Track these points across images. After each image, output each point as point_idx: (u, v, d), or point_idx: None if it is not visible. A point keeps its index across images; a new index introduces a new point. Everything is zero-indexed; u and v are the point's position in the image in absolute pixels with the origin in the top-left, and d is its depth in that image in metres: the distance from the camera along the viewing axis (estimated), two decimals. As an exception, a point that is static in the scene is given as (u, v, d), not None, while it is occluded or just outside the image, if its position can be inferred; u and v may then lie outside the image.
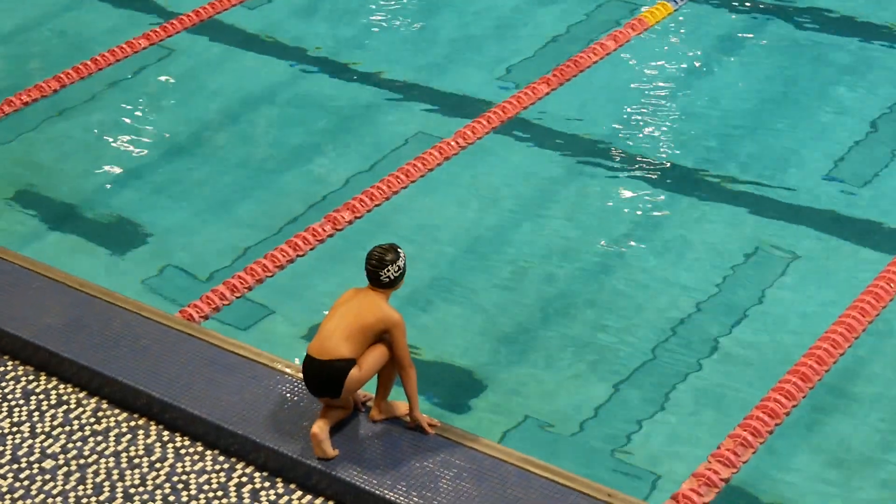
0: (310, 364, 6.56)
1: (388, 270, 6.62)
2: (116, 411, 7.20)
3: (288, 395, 7.02)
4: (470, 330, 8.06)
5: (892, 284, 7.95)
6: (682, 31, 11.19)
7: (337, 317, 6.61)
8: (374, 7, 11.92)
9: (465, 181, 9.35)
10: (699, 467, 6.66)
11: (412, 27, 11.59)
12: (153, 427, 7.09)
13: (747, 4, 11.59)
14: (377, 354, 6.58)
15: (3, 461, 6.92)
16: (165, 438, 7.01)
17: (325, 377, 6.51)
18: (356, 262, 8.53)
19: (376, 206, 8.87)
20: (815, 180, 9.26)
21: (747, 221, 8.92)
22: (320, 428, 6.56)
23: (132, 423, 7.11)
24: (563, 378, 7.70)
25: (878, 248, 8.57)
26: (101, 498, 6.67)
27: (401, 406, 6.85)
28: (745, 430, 6.82)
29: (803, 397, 7.14)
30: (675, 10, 11.28)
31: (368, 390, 6.91)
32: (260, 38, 11.53)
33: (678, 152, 9.63)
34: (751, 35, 11.17)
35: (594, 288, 8.36)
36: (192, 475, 6.79)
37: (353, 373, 6.49)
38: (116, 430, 7.06)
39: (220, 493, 6.65)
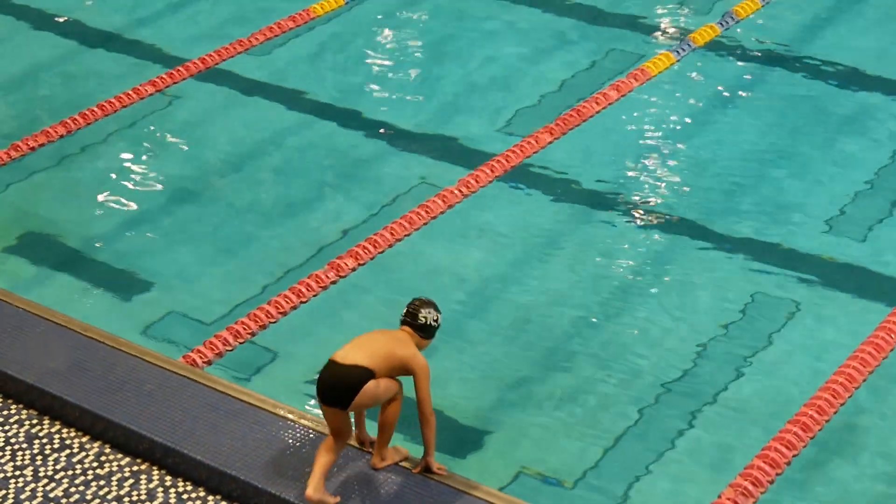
0: (329, 367, 6.53)
1: (429, 313, 6.68)
2: (119, 456, 7.21)
3: (290, 440, 7.04)
4: (472, 377, 8.08)
5: (892, 335, 7.99)
6: (684, 81, 11.26)
7: (368, 336, 6.67)
8: (378, 55, 12.00)
9: (468, 229, 9.39)
10: (700, 517, 6.71)
11: (416, 76, 11.66)
12: (155, 472, 7.10)
13: (749, 55, 11.67)
14: (394, 385, 6.58)
15: (6, 505, 6.93)
16: (168, 483, 7.02)
17: (341, 381, 6.46)
18: (359, 308, 8.66)
19: (379, 253, 8.90)
20: (817, 230, 9.31)
21: (749, 271, 8.95)
22: (314, 489, 6.52)
23: (135, 468, 7.12)
24: (564, 426, 7.71)
25: (878, 299, 8.60)
26: (103, 542, 6.69)
27: (401, 451, 6.86)
28: (745, 480, 6.84)
29: (804, 447, 7.16)
30: (677, 61, 11.35)
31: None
32: (265, 85, 11.59)
33: (680, 202, 9.68)
34: (753, 85, 11.25)
35: (596, 337, 8.39)
36: (194, 520, 6.81)
37: (370, 385, 6.46)
38: (119, 475, 7.07)
39: (221, 538, 6.68)
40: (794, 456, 7.08)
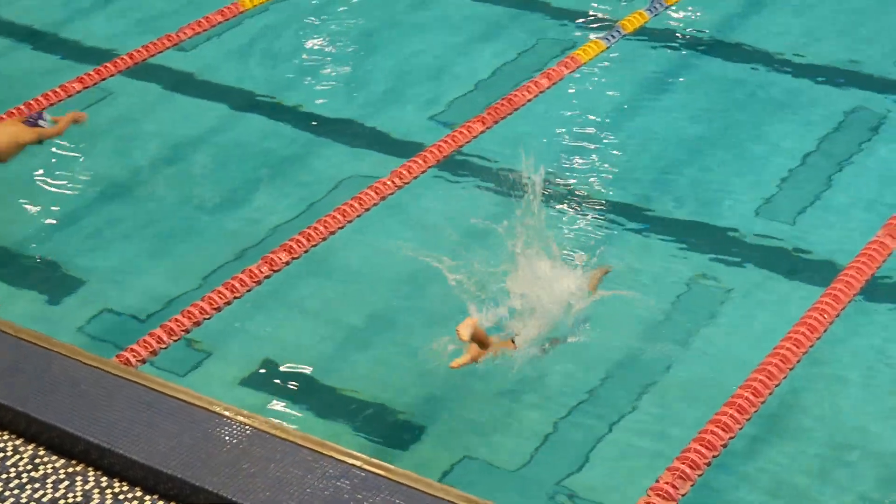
0: None
1: None
2: (54, 458, 7.13)
3: (227, 437, 6.99)
4: (409, 370, 8.07)
5: (824, 316, 8.05)
6: (614, 68, 11.28)
7: None
8: (308, 48, 11.95)
9: (403, 220, 9.38)
10: (639, 501, 6.70)
11: (347, 67, 11.62)
12: (91, 473, 7.03)
13: (679, 41, 11.71)
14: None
15: (-61, 510, 6.86)
16: (104, 484, 6.95)
17: None
18: (294, 303, 8.63)
19: (313, 246, 8.87)
20: (749, 215, 9.36)
21: (682, 256, 9.00)
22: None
23: (70, 470, 7.05)
24: (503, 414, 7.72)
25: (809, 282, 8.66)
26: (40, 545, 6.63)
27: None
28: (683, 463, 6.87)
29: (740, 429, 7.20)
30: (607, 48, 11.38)
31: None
32: (195, 79, 11.52)
33: (613, 188, 9.71)
34: (683, 71, 11.29)
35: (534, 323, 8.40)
36: (132, 520, 6.76)
37: None
38: (54, 477, 7.00)
39: (159, 538, 6.63)
40: (730, 438, 7.11)
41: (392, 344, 8.28)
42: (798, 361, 7.72)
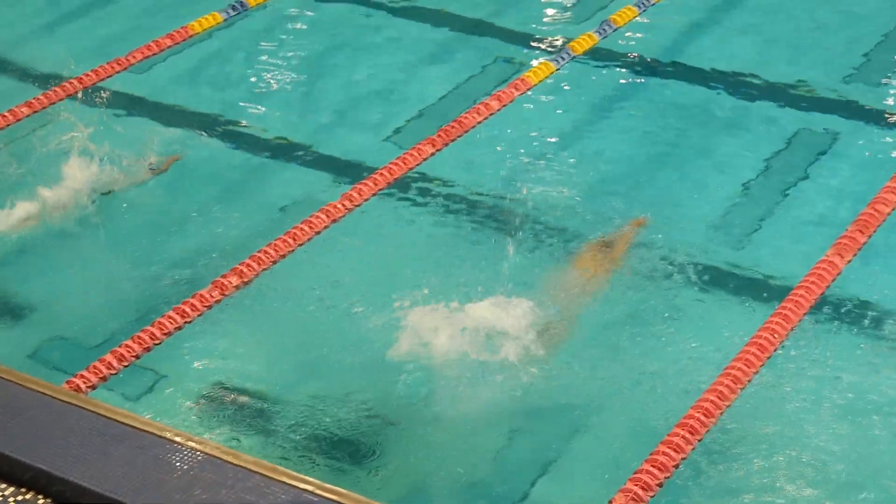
0: None
1: None
2: (3, 486, 7.07)
3: (178, 463, 6.95)
4: (362, 393, 8.06)
5: (775, 335, 8.08)
6: (564, 89, 11.33)
7: None
8: (258, 71, 11.94)
9: (353, 243, 9.36)
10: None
11: (298, 90, 11.62)
12: (41, 501, 6.97)
13: (629, 62, 11.77)
14: None
15: None
16: (54, 511, 6.91)
17: None
18: (245, 326, 8.60)
19: (264, 270, 8.83)
20: (698, 235, 9.40)
21: (632, 277, 9.02)
22: None
23: (20, 498, 6.99)
24: (455, 438, 7.71)
25: (760, 301, 8.72)
26: (-11, 574, 6.57)
27: None
28: (635, 485, 6.87)
29: (692, 449, 7.22)
30: (557, 70, 11.41)
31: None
32: (145, 102, 11.48)
33: (563, 210, 9.72)
34: (633, 92, 11.35)
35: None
36: (82, 548, 6.70)
37: None
38: (3, 505, 6.96)
39: (110, 565, 6.58)
40: (682, 459, 7.13)
41: (343, 368, 8.25)
42: (749, 381, 7.75)
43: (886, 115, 10.86)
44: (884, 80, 11.43)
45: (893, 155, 10.09)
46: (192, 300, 8.50)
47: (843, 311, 8.61)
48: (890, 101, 11.11)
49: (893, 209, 9.31)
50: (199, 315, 8.46)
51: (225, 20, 12.54)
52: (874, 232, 8.98)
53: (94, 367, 7.92)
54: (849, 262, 8.78)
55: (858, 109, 10.97)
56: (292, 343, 8.51)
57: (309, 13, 12.96)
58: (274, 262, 8.91)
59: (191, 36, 12.27)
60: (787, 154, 10.36)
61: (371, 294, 8.87)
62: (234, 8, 12.48)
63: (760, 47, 12.10)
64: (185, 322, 8.39)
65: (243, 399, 8.08)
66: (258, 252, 8.92)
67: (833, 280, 8.62)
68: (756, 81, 11.52)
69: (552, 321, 8.52)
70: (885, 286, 8.83)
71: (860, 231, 9.00)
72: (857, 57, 11.79)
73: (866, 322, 8.53)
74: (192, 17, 12.32)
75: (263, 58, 12.21)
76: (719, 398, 7.48)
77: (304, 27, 12.72)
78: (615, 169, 10.20)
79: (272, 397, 8.09)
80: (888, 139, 10.53)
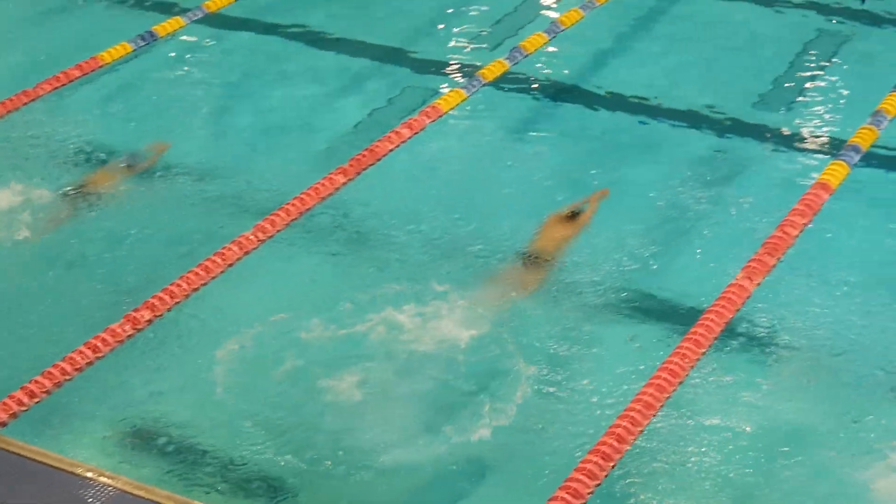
0: None
1: None
2: (-89, 526, 7.00)
3: (91, 499, 6.90)
4: (277, 428, 8.01)
5: (686, 360, 8.14)
6: (475, 116, 11.36)
7: None
8: (170, 101, 11.88)
9: (266, 276, 9.33)
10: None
11: (210, 120, 11.57)
12: (-49, 541, 6.90)
13: (539, 88, 11.84)
14: None
15: None
16: (-37, 552, 6.83)
17: None
18: (157, 360, 8.53)
19: (176, 303, 8.76)
20: (610, 259, 9.46)
21: (541, 302, 9.08)
22: None
23: (-72, 538, 6.92)
24: (376, 475, 7.70)
25: (672, 324, 8.79)
26: None
27: None
28: (550, 511, 6.90)
29: (605, 476, 7.24)
30: (468, 97, 11.44)
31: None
32: (55, 135, 11.37)
33: (476, 237, 9.73)
34: (543, 118, 11.43)
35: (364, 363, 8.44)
36: (-8, 589, 6.63)
37: None
38: (-89, 546, 6.86)
39: None
40: (596, 485, 7.15)
41: (259, 402, 8.21)
42: (661, 406, 7.80)
43: (794, 139, 11.00)
44: (791, 104, 11.58)
45: (801, 178, 10.20)
46: (103, 335, 8.41)
47: (752, 333, 8.70)
48: (797, 125, 11.25)
49: (801, 232, 9.43)
50: (111, 350, 8.38)
51: (134, 50, 12.45)
52: (783, 255, 9.09)
53: (4, 403, 7.82)
54: (758, 284, 8.88)
55: (767, 133, 11.10)
56: (206, 377, 8.44)
57: (220, 43, 12.92)
58: (186, 296, 8.84)
59: (100, 66, 12.17)
60: (696, 178, 10.46)
61: (285, 326, 8.84)
62: (143, 38, 12.40)
63: (670, 72, 12.22)
64: (98, 357, 8.30)
65: (156, 434, 8.01)
66: (170, 285, 8.85)
67: (743, 303, 8.70)
68: (665, 106, 11.63)
69: (468, 350, 8.57)
70: (793, 308, 8.93)
71: (769, 254, 9.10)
72: (765, 81, 11.94)
73: (776, 344, 8.63)
74: (101, 48, 12.23)
75: (176, 87, 12.16)
76: (632, 424, 7.52)
77: (216, 57, 12.68)
78: (525, 195, 10.24)
79: (185, 432, 8.02)
80: (795, 162, 10.66)
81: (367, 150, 10.52)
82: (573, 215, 9.88)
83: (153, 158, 10.97)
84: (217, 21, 13.09)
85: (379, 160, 10.48)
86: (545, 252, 9.56)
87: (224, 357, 8.60)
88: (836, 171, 10.08)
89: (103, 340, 8.38)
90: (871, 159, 10.37)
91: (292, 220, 9.70)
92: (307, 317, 8.87)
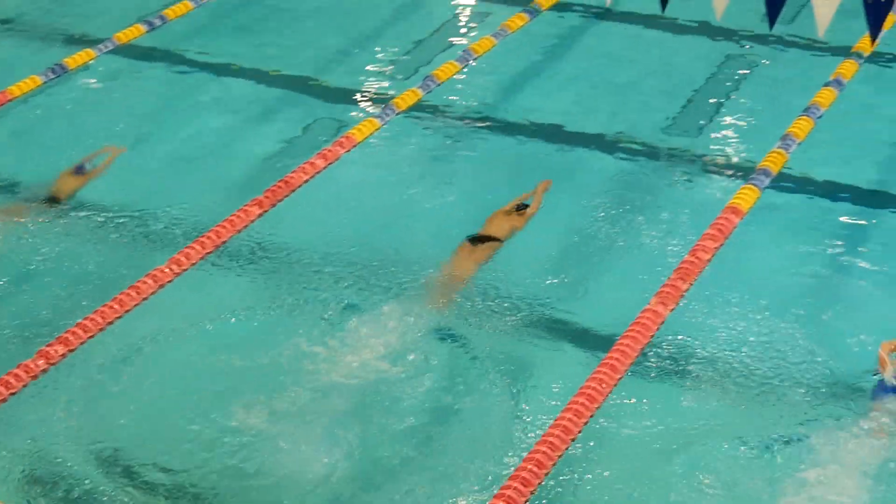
0: None
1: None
2: None
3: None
4: (182, 471, 7.95)
5: (603, 385, 8.17)
6: (389, 146, 11.38)
7: None
8: (82, 134, 11.78)
9: (181, 309, 9.26)
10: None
11: (123, 152, 11.45)
12: None
13: (453, 117, 11.88)
14: None
15: None
16: None
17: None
18: (70, 395, 8.44)
19: (90, 337, 8.66)
20: (526, 286, 9.50)
21: (452, 325, 9.13)
22: None
23: None
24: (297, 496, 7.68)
25: (588, 350, 8.84)
26: None
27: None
28: (470, 541, 6.90)
29: (525, 502, 7.25)
30: (381, 126, 11.43)
31: None
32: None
33: (395, 269, 9.72)
34: (457, 146, 11.45)
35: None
36: None
37: None
38: None
39: None
40: (516, 513, 7.17)
41: (175, 439, 8.15)
42: (580, 432, 7.82)
43: (706, 163, 11.11)
44: (702, 129, 11.70)
45: (712, 202, 10.29)
46: (16, 370, 8.31)
47: (668, 357, 8.76)
48: (708, 149, 11.37)
49: (713, 256, 9.51)
50: (24, 385, 8.27)
51: (44, 83, 12.33)
52: (695, 279, 9.16)
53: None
54: (672, 310, 8.94)
55: (679, 158, 11.21)
56: (120, 413, 8.38)
57: (131, 74, 12.85)
58: (101, 329, 8.75)
59: (9, 100, 12.05)
60: (610, 204, 10.53)
61: (201, 359, 8.81)
62: (53, 71, 12.29)
63: (583, 99, 12.31)
64: (11, 393, 8.18)
65: (65, 470, 7.93)
66: (84, 319, 8.76)
67: (658, 328, 8.76)
68: (578, 132, 11.70)
69: (382, 376, 8.57)
70: (707, 332, 9.01)
71: (682, 279, 9.16)
72: (677, 106, 12.06)
73: (691, 368, 8.70)
74: (10, 82, 12.10)
75: (85, 121, 12.06)
76: (550, 449, 7.53)
77: (127, 89, 12.60)
78: (442, 223, 10.25)
79: (97, 471, 7.95)
80: (707, 187, 10.78)
81: (281, 181, 10.47)
82: (519, 209, 10.16)
83: (107, 161, 11.09)
84: (128, 52, 13.01)
85: (294, 191, 10.45)
86: (462, 275, 9.63)
87: (138, 391, 8.54)
88: (747, 195, 10.17)
89: (16, 376, 8.27)
90: (781, 182, 10.49)
91: (207, 253, 9.64)
92: (223, 350, 8.84)
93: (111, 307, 8.92)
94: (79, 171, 11.01)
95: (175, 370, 8.73)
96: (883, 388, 8.51)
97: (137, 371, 8.68)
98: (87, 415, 8.37)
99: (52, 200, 10.62)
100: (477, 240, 9.93)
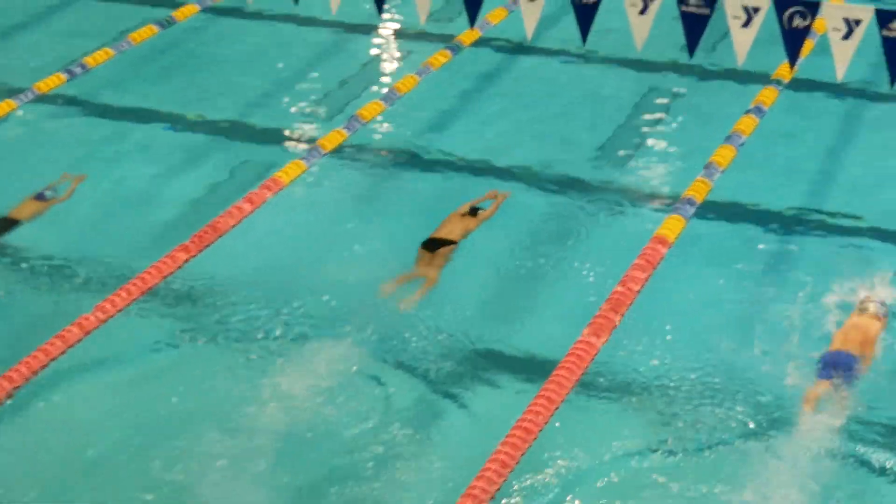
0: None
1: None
2: None
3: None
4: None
5: (539, 417, 8.16)
6: (316, 187, 11.36)
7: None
8: (7, 186, 11.63)
9: (104, 357, 9.18)
10: None
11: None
12: None
13: (380, 155, 11.87)
14: None
15: None
16: None
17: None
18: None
19: (16, 388, 8.52)
20: (460, 321, 9.51)
21: (386, 358, 9.14)
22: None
23: None
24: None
25: (525, 383, 8.83)
26: None
27: None
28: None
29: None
30: (308, 168, 11.39)
31: None
32: None
33: (317, 313, 9.68)
34: (385, 184, 11.47)
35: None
36: None
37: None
38: None
39: None
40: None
41: (97, 486, 8.08)
42: (517, 464, 7.80)
43: (632, 194, 11.16)
44: (628, 160, 11.76)
45: (640, 233, 10.32)
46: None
47: (604, 388, 8.77)
48: (635, 180, 11.42)
49: (643, 286, 9.54)
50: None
51: (-35, 134, 12.24)
52: (626, 310, 9.19)
53: None
54: (605, 341, 8.96)
55: (606, 189, 11.25)
56: (45, 461, 8.29)
57: (54, 124, 12.75)
58: (26, 380, 8.62)
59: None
60: (539, 237, 10.57)
61: (125, 406, 8.73)
62: (-26, 123, 12.20)
63: (508, 132, 12.35)
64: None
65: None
66: (9, 371, 8.60)
67: (592, 358, 8.77)
68: (505, 166, 11.71)
69: (312, 414, 8.54)
70: (640, 360, 9.04)
71: (613, 310, 9.19)
72: (602, 138, 12.13)
73: (625, 397, 8.71)
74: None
75: (8, 171, 11.93)
76: (488, 484, 7.50)
77: (50, 138, 12.49)
78: (370, 261, 10.22)
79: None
80: (635, 217, 10.83)
81: (208, 225, 10.41)
82: (473, 212, 10.58)
83: (70, 189, 11.26)
84: (50, 101, 12.93)
85: (221, 236, 10.39)
86: (429, 283, 9.90)
87: (64, 440, 8.46)
88: (673, 225, 10.23)
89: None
90: (707, 211, 10.57)
91: (133, 300, 9.55)
92: (147, 397, 8.78)
93: (35, 357, 8.75)
94: (40, 197, 11.15)
95: (99, 418, 8.64)
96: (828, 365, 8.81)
97: (62, 421, 8.59)
98: (11, 463, 8.29)
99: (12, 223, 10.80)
100: (431, 244, 10.19)
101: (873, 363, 8.90)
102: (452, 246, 10.22)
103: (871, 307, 9.24)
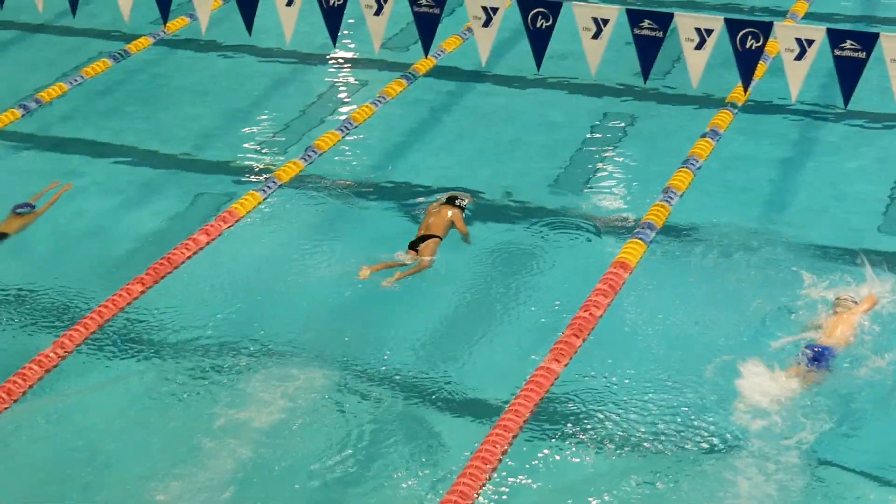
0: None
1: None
2: None
3: None
4: None
5: (497, 446, 8.15)
6: (273, 218, 11.29)
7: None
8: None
9: (67, 392, 9.09)
10: None
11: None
12: None
13: (337, 185, 11.81)
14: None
15: None
16: None
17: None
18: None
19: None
20: (417, 351, 9.47)
21: (355, 386, 9.11)
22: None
23: None
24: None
25: (482, 413, 8.81)
26: None
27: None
28: None
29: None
30: (264, 199, 11.36)
31: None
32: None
33: (277, 341, 9.64)
34: (342, 215, 11.40)
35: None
36: None
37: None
38: None
39: None
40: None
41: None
42: (477, 495, 7.78)
43: (592, 219, 11.14)
44: (586, 186, 11.77)
45: (601, 258, 10.35)
46: None
47: (563, 414, 8.74)
48: (594, 206, 11.42)
49: (605, 311, 9.56)
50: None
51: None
52: (588, 335, 9.20)
53: None
54: (566, 365, 8.96)
55: (565, 215, 11.23)
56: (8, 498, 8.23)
57: (9, 159, 12.64)
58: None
59: None
60: (499, 264, 10.53)
61: (84, 449, 8.63)
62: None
63: (464, 161, 12.33)
64: None
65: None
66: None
67: (552, 384, 8.77)
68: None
69: (266, 453, 8.50)
70: (603, 384, 9.02)
71: (575, 335, 9.20)
72: (560, 165, 12.13)
73: (587, 424, 8.68)
74: None
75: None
76: (449, 515, 7.51)
77: (5, 173, 12.37)
78: (328, 298, 10.17)
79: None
80: (595, 242, 10.81)
81: (164, 258, 10.38)
82: (451, 201, 11.03)
83: (53, 200, 11.34)
84: (5, 137, 12.86)
85: (176, 268, 10.35)
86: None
87: (28, 480, 8.36)
88: (634, 249, 10.26)
89: None
90: (667, 234, 10.59)
91: (91, 334, 9.50)
92: (109, 436, 8.70)
93: (-1, 397, 8.79)
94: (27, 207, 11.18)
95: (63, 456, 8.55)
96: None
97: (25, 458, 8.51)
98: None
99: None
100: (417, 243, 10.50)
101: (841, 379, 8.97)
102: (437, 240, 10.57)
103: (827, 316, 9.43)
